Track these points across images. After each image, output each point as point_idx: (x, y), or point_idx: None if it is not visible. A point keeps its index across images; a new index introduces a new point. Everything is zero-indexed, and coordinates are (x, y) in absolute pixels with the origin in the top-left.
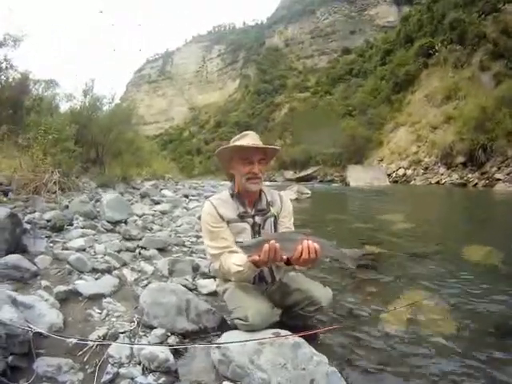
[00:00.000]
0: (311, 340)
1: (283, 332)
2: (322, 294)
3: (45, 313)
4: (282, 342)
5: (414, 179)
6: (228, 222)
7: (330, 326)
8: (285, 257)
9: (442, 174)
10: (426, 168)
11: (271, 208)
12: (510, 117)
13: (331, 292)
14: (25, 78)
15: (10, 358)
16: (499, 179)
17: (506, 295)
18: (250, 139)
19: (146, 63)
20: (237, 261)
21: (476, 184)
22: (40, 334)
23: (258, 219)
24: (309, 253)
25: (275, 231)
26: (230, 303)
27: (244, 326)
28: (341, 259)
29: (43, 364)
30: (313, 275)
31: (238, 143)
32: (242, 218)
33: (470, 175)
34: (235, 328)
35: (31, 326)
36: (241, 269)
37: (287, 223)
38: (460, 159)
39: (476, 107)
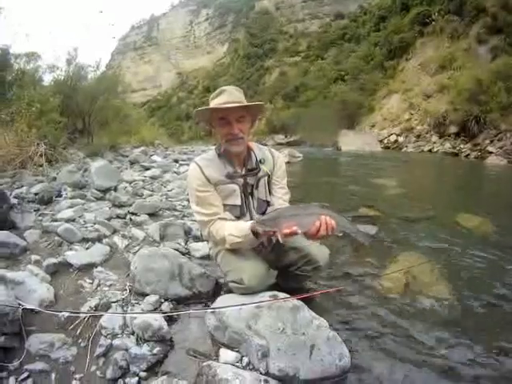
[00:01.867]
0: (308, 303)
1: (281, 295)
2: (319, 252)
3: (35, 288)
4: (280, 305)
5: (406, 146)
6: (215, 185)
7: (330, 288)
8: (299, 232)
9: (435, 143)
10: (419, 136)
11: (262, 166)
12: (505, 91)
13: (328, 251)
14: (5, 52)
15: (2, 338)
16: (491, 152)
17: (497, 263)
18: (227, 97)
19: (131, 30)
20: (235, 231)
21: (468, 155)
22: (31, 310)
23: (249, 179)
24: (326, 230)
25: (269, 191)
26: (224, 266)
27: (239, 289)
28: (355, 235)
29: (35, 341)
30: None
31: (214, 102)
32: (230, 178)
33: (462, 145)
34: (230, 292)
35: (20, 303)
36: (239, 240)
37: (281, 182)
38: (453, 129)
39: (471, 79)
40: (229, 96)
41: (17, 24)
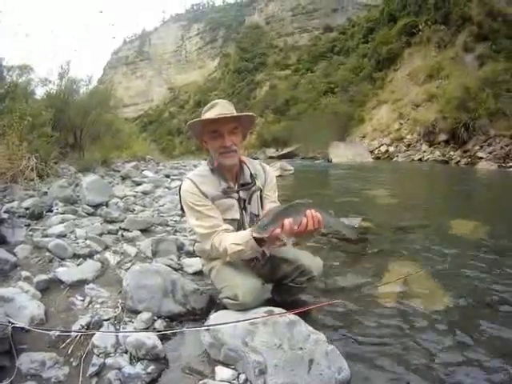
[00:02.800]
0: (305, 317)
1: (276, 310)
2: (312, 263)
3: (25, 305)
4: (275, 320)
5: (397, 156)
6: (213, 200)
7: (326, 302)
8: (296, 228)
9: (425, 151)
10: (409, 145)
11: (256, 181)
12: (493, 97)
13: (321, 261)
14: None
15: None
16: (481, 157)
17: (493, 268)
18: (219, 109)
19: (123, 44)
20: (236, 240)
21: (458, 161)
22: (21, 328)
23: (242, 194)
24: (313, 223)
25: (261, 206)
26: (218, 282)
27: (234, 306)
28: (341, 230)
29: (26, 360)
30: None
31: (206, 115)
32: (226, 193)
33: (452, 153)
34: (225, 308)
35: (10, 320)
36: (241, 248)
37: (272, 196)
38: (442, 137)
39: (459, 87)
40: (221, 109)
41: (17, 24)
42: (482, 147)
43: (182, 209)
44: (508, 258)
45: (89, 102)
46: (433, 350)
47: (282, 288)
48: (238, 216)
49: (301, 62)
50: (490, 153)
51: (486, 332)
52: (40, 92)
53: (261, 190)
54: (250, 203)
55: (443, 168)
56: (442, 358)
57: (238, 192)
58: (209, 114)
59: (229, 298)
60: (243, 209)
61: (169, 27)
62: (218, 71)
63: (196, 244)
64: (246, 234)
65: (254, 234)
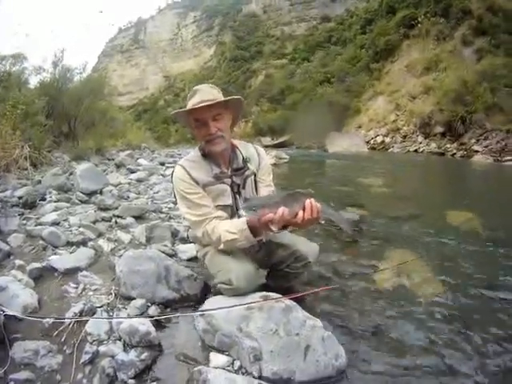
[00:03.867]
0: (301, 303)
1: (272, 295)
2: (308, 248)
3: (18, 293)
4: (271, 306)
5: (392, 147)
6: (204, 186)
7: (322, 287)
8: (288, 217)
9: (421, 143)
10: (405, 136)
11: (249, 165)
12: (490, 92)
13: (317, 246)
14: None
15: None
16: (477, 151)
17: (487, 259)
18: (200, 96)
19: (119, 32)
20: (230, 228)
21: (454, 154)
22: (14, 317)
23: (236, 179)
24: (312, 213)
25: (256, 191)
26: (212, 267)
27: (228, 291)
28: (338, 222)
29: (20, 349)
30: None
31: (189, 103)
32: (218, 179)
33: (448, 145)
34: (219, 294)
35: (2, 309)
36: (235, 237)
37: (267, 180)
38: (438, 129)
39: (456, 80)
40: (202, 95)
41: (17, 24)
42: (478, 141)
43: (175, 195)
44: (502, 249)
45: (82, 90)
46: (429, 340)
47: (278, 274)
48: (230, 202)
49: (297, 52)
50: (485, 146)
51: (481, 317)
52: (34, 81)
53: (255, 175)
54: (244, 188)
55: (439, 160)
56: (439, 343)
57: (230, 177)
58: (191, 101)
59: (223, 283)
60: (237, 193)
61: (165, 15)
62: (214, 59)
63: (190, 230)
64: (240, 223)
65: (242, 212)
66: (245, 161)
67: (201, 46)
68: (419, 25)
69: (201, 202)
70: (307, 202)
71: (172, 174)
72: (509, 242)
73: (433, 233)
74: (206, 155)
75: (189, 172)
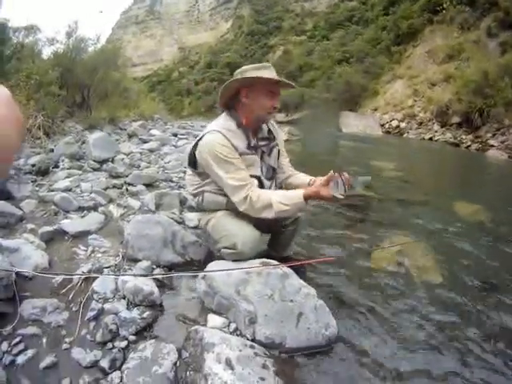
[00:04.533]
0: (298, 272)
1: (272, 262)
2: None
3: (30, 255)
4: (269, 272)
5: (407, 132)
6: (240, 155)
7: (320, 258)
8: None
9: (436, 131)
10: (421, 123)
11: (275, 136)
12: (511, 87)
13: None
14: (3, 26)
15: None
16: (493, 145)
17: (490, 250)
18: (274, 72)
19: (134, 4)
20: (283, 199)
21: (469, 146)
22: (25, 277)
23: (264, 148)
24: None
25: (278, 159)
26: (216, 233)
27: (233, 255)
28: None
29: (28, 307)
30: None
31: (265, 75)
32: (251, 149)
33: (463, 136)
34: (222, 259)
35: (13, 267)
36: (287, 208)
37: (284, 152)
38: (455, 119)
39: (478, 71)
40: (274, 72)
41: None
42: (494, 135)
43: (191, 163)
44: (506, 242)
45: (96, 60)
46: (421, 320)
47: (278, 243)
48: (258, 173)
49: (317, 29)
50: (502, 142)
51: (476, 306)
52: (47, 52)
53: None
54: (269, 155)
55: (453, 150)
56: (430, 328)
57: (260, 147)
58: (266, 73)
59: (227, 248)
60: (262, 162)
61: None
62: (231, 33)
63: (198, 198)
64: (295, 195)
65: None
66: (271, 132)
67: (218, 18)
68: (444, 11)
69: (241, 167)
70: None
71: (201, 139)
72: (510, 236)
73: (438, 220)
74: (241, 125)
75: (228, 138)
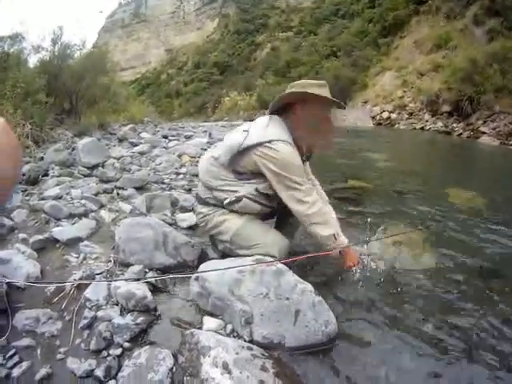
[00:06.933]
0: (293, 268)
1: (265, 259)
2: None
3: (22, 265)
4: (263, 269)
5: (398, 123)
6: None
7: (315, 253)
8: None
9: (427, 121)
10: (411, 113)
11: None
12: (500, 73)
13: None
14: None
15: None
16: (484, 132)
17: (488, 236)
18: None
19: (119, 7)
20: (334, 222)
21: (460, 134)
22: (16, 286)
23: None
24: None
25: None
26: (245, 239)
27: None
28: None
29: (21, 318)
30: None
31: (320, 91)
32: (303, 161)
33: (454, 124)
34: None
35: (4, 278)
36: (330, 233)
37: None
38: (446, 108)
39: (466, 59)
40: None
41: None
42: (485, 122)
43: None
44: (503, 229)
45: (83, 66)
46: (421, 312)
47: (287, 231)
48: None
49: (303, 25)
50: (493, 128)
51: (475, 296)
52: (33, 60)
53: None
54: (306, 163)
55: (445, 139)
56: (430, 320)
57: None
58: (325, 93)
59: (263, 255)
60: None
61: None
62: (218, 32)
63: (217, 193)
64: (344, 240)
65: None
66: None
67: (204, 18)
68: (430, 1)
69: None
70: None
71: (282, 149)
72: (507, 221)
73: (433, 208)
74: (294, 138)
75: (297, 151)
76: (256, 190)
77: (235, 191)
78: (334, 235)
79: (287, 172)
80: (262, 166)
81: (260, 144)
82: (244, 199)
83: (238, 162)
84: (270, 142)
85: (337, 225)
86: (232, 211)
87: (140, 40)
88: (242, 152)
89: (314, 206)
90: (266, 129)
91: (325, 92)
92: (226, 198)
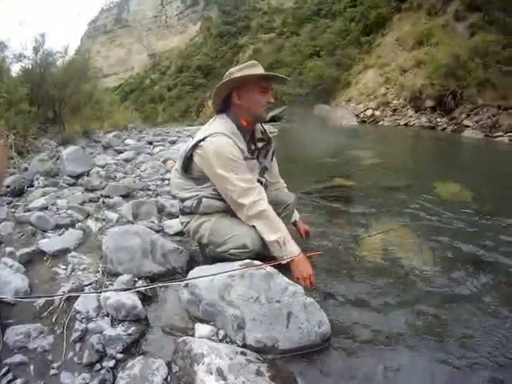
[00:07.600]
0: (283, 270)
1: (254, 262)
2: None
3: (9, 280)
4: (252, 273)
5: (383, 120)
6: (244, 159)
7: (307, 254)
8: None
9: (411, 117)
10: (395, 110)
11: (270, 137)
12: (482, 67)
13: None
14: None
15: None
16: (468, 126)
17: (477, 228)
18: (261, 69)
19: (101, 13)
20: (280, 227)
21: (445, 128)
22: (5, 302)
23: (261, 150)
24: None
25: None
26: (219, 236)
27: (244, 254)
28: None
29: (12, 334)
30: None
31: (252, 72)
32: (252, 153)
33: (438, 119)
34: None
35: None
36: (272, 239)
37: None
38: (429, 103)
39: (448, 54)
40: (261, 68)
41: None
42: (468, 116)
43: (184, 167)
44: (491, 220)
45: (66, 74)
46: (414, 308)
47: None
48: (257, 177)
49: (286, 25)
50: (476, 122)
51: (468, 291)
52: (15, 68)
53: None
54: (265, 157)
55: (429, 134)
56: (424, 314)
57: (259, 150)
58: (256, 70)
59: (237, 249)
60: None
61: None
62: (200, 36)
63: (186, 202)
64: (294, 248)
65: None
66: (266, 133)
67: (186, 22)
68: None
69: (246, 169)
70: None
71: (210, 142)
72: (495, 212)
73: (422, 203)
74: (241, 128)
75: (235, 142)
76: (214, 190)
77: (197, 195)
78: (277, 241)
79: (219, 168)
80: (199, 164)
81: (196, 145)
82: (204, 199)
83: (191, 168)
84: (203, 139)
85: (284, 230)
86: (204, 214)
87: (122, 45)
88: (190, 158)
89: (251, 208)
90: (206, 128)
91: (252, 71)
92: (192, 204)
